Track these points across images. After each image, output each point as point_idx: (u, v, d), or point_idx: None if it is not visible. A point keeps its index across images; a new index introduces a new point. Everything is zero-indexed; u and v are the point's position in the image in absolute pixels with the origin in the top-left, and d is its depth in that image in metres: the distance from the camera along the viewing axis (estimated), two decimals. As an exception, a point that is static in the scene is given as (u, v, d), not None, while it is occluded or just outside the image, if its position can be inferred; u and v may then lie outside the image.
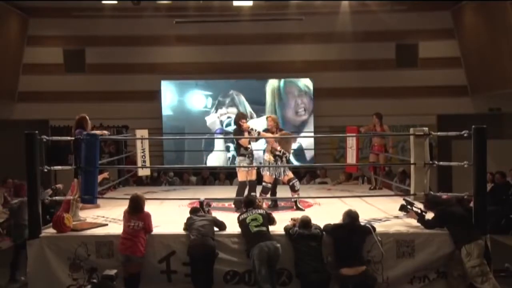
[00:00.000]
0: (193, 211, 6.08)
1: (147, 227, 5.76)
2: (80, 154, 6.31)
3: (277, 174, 7.49)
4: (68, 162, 6.84)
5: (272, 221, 5.97)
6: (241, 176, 7.46)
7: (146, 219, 5.75)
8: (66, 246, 5.85)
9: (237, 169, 7.67)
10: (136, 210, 5.76)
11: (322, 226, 5.79)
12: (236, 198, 7.32)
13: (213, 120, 12.98)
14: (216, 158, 12.97)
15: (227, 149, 12.85)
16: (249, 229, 5.68)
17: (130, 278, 5.63)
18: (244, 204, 6.13)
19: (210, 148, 12.97)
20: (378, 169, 9.60)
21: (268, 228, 5.77)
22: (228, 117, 12.77)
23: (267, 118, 8.16)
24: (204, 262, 5.59)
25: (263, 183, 7.49)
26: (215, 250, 5.64)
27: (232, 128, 11.65)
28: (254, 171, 7.52)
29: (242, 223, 5.81)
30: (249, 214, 5.83)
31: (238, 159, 7.48)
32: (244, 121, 7.45)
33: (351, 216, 5.75)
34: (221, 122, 12.98)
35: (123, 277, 5.66)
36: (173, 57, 13.26)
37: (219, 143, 12.91)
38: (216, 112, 12.96)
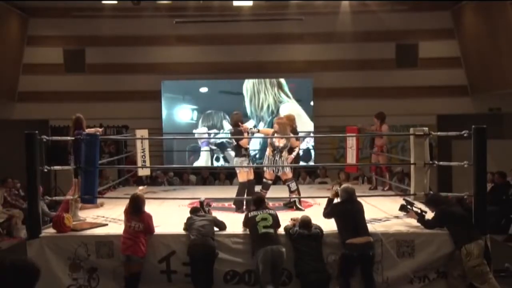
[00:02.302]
0: (193, 211, 6.08)
1: (148, 229, 5.74)
2: (80, 154, 6.32)
3: (276, 170, 7.50)
4: (68, 162, 6.82)
5: (278, 223, 5.85)
6: (242, 176, 7.44)
7: (146, 220, 5.73)
8: (66, 246, 5.84)
9: (237, 170, 7.65)
10: (136, 211, 5.75)
11: (322, 226, 5.80)
12: (236, 198, 7.32)
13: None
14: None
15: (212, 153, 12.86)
16: (257, 228, 5.62)
17: (130, 277, 5.63)
18: (254, 202, 6.02)
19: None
20: (379, 169, 9.59)
21: (276, 230, 5.69)
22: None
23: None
24: (204, 262, 5.59)
25: (264, 180, 7.48)
26: (215, 250, 5.64)
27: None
28: (252, 171, 7.54)
29: (250, 220, 5.74)
30: (259, 213, 5.76)
31: (238, 160, 7.46)
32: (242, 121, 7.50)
33: (348, 192, 5.88)
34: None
35: (124, 277, 5.67)
36: (173, 57, 13.26)
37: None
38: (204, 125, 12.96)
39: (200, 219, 5.81)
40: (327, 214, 5.95)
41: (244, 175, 7.41)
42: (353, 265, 5.60)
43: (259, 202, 5.96)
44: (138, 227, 5.65)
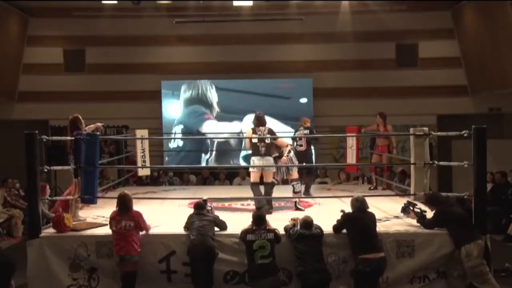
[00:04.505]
0: (198, 207, 6.00)
1: (140, 226, 5.69)
2: (80, 154, 6.31)
3: (281, 174, 7.50)
4: (68, 162, 6.81)
5: (279, 240, 5.70)
6: (270, 176, 7.35)
7: (136, 218, 5.69)
8: (66, 246, 5.84)
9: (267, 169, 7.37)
10: (124, 210, 5.71)
11: (322, 226, 5.79)
12: (268, 198, 7.30)
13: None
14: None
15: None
16: (253, 257, 5.49)
17: (127, 277, 5.60)
18: (254, 220, 5.74)
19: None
20: (379, 169, 9.58)
21: (274, 256, 5.54)
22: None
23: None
24: (204, 262, 5.57)
25: (272, 179, 7.47)
26: (215, 250, 5.63)
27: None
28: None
29: (248, 244, 5.56)
30: (257, 238, 5.52)
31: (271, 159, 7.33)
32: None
33: (359, 201, 5.77)
34: None
35: (120, 277, 5.66)
36: (173, 57, 13.26)
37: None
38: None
39: (201, 219, 5.80)
40: (338, 227, 5.78)
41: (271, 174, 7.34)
42: (367, 279, 5.52)
43: (259, 221, 5.71)
44: (129, 225, 5.60)
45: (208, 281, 5.60)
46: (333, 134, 12.17)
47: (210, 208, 6.25)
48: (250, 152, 7.40)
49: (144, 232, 5.80)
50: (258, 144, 7.16)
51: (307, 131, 8.54)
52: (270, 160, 7.23)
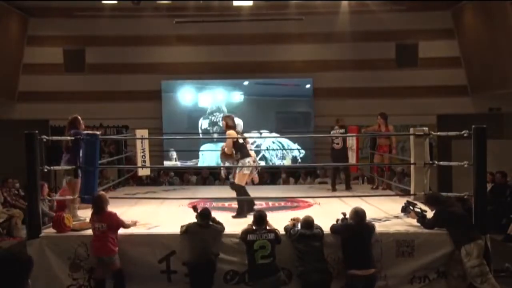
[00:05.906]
0: (203, 217, 5.81)
1: (113, 226, 5.65)
2: (78, 154, 6.31)
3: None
4: (68, 162, 6.77)
5: (279, 241, 5.65)
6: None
7: (109, 219, 5.66)
8: (66, 246, 5.84)
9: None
10: (97, 211, 5.71)
11: (322, 226, 5.78)
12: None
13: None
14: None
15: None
16: (254, 257, 5.46)
17: (114, 276, 5.61)
18: (254, 220, 5.71)
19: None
20: (380, 169, 9.57)
21: (274, 256, 5.51)
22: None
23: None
24: (204, 274, 5.54)
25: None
26: (215, 264, 5.59)
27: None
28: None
29: (248, 244, 5.53)
30: (258, 238, 5.50)
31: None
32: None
33: (358, 215, 5.67)
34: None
35: (95, 278, 5.69)
36: (173, 57, 13.28)
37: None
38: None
39: (203, 233, 5.65)
40: (336, 230, 5.77)
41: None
42: None
43: (259, 221, 5.67)
44: (102, 227, 5.61)
45: (208, 284, 5.58)
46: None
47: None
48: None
49: (124, 229, 5.77)
50: (245, 144, 7.12)
51: (343, 130, 8.96)
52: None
